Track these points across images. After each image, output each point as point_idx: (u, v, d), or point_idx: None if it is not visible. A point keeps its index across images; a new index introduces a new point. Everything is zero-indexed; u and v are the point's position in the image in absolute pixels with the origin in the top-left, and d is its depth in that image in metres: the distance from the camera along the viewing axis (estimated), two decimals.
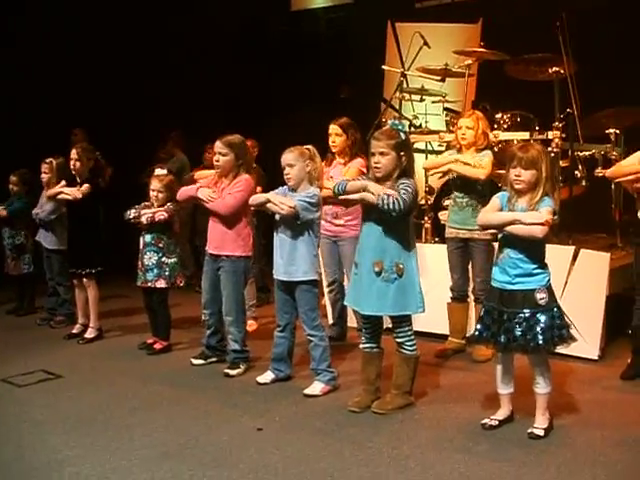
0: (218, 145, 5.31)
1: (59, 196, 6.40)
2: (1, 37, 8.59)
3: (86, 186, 6.23)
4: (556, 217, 4.18)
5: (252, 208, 5.23)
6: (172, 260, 5.92)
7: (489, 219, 4.18)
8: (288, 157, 4.88)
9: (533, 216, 3.90)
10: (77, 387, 5.16)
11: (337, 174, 5.69)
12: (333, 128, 5.82)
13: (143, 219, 5.78)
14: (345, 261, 5.83)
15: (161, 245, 5.88)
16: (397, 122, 4.59)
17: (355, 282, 4.59)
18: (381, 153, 4.35)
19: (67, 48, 8.93)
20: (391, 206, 4.19)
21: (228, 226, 5.33)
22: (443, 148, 6.66)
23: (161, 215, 5.78)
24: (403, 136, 4.40)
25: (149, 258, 5.88)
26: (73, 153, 6.31)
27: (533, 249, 3.99)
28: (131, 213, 5.84)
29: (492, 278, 4.16)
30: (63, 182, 6.42)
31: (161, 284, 5.88)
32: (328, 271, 6.05)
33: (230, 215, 5.30)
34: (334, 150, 5.83)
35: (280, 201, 4.82)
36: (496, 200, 4.16)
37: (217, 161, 5.33)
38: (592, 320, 5.49)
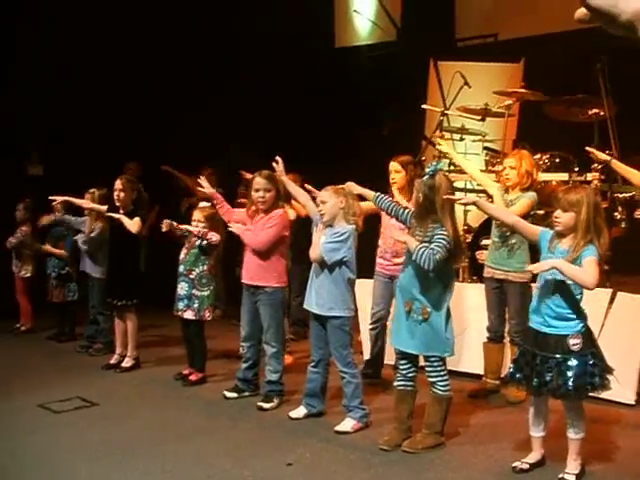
0: (261, 182, 5.40)
1: (117, 220, 6.43)
2: (60, 69, 8.83)
3: (137, 219, 6.34)
4: (603, 265, 4.12)
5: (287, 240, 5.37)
6: (203, 293, 5.98)
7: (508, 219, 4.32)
8: (322, 194, 4.98)
9: (575, 273, 3.86)
10: (112, 416, 5.24)
11: None
12: (393, 165, 5.80)
13: (196, 230, 5.84)
14: None
15: (192, 277, 5.96)
16: (438, 163, 4.64)
17: (394, 317, 4.71)
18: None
19: (118, 81, 9.14)
20: (424, 263, 4.30)
21: (263, 258, 5.43)
22: (481, 187, 6.65)
23: (213, 236, 5.87)
24: (428, 178, 4.45)
25: (181, 288, 5.98)
26: (117, 184, 6.45)
27: (570, 294, 3.96)
28: (184, 226, 5.93)
29: (529, 319, 4.14)
30: (105, 207, 6.54)
31: (189, 315, 5.95)
32: (376, 308, 5.96)
33: (264, 250, 5.40)
34: (394, 187, 5.78)
35: (315, 242, 4.91)
36: (537, 229, 4.18)
37: (262, 197, 5.40)
38: (628, 364, 5.42)
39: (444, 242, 4.32)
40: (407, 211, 4.71)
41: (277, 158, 5.25)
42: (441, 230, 4.38)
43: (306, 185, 5.29)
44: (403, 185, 5.76)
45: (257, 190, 5.42)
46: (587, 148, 5.61)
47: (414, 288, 4.45)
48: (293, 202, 6.09)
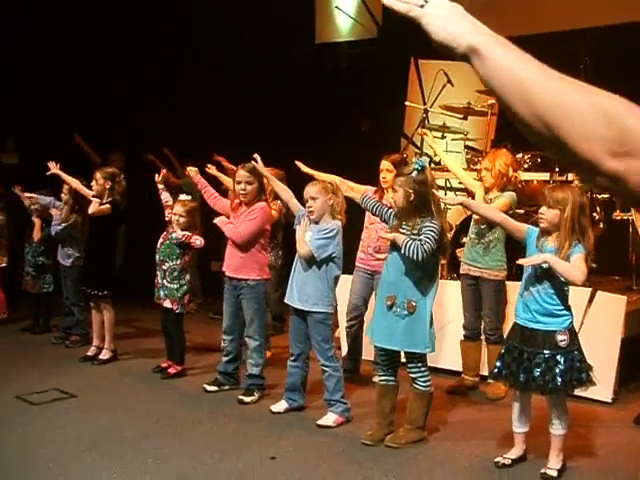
0: (243, 174, 5.42)
1: (81, 191, 6.51)
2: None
3: (107, 206, 6.30)
4: (590, 263, 4.15)
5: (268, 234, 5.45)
6: (172, 286, 5.90)
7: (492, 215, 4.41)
8: (311, 190, 4.93)
9: (565, 269, 3.90)
10: (91, 408, 5.20)
11: None
12: (384, 164, 5.72)
13: (179, 234, 5.80)
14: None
15: (164, 267, 5.92)
16: (421, 160, 4.66)
17: (374, 313, 4.67)
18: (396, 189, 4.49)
19: (101, 68, 9.06)
20: (412, 255, 4.30)
21: (244, 251, 5.45)
22: (461, 186, 6.70)
23: (197, 240, 5.84)
24: (418, 174, 4.46)
25: (158, 277, 5.96)
26: (97, 175, 6.41)
27: (558, 289, 4.01)
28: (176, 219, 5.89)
29: (515, 315, 4.18)
30: (92, 193, 6.48)
31: (167, 304, 5.92)
32: (353, 303, 5.94)
33: (245, 242, 5.41)
34: (384, 186, 5.69)
35: (301, 238, 4.89)
36: (523, 226, 4.22)
37: (244, 190, 5.42)
38: (607, 362, 5.48)
39: (433, 234, 4.34)
40: (389, 210, 4.73)
41: (254, 155, 5.27)
42: (430, 222, 4.40)
43: (297, 162, 5.31)
44: (393, 184, 5.75)
45: (239, 182, 5.43)
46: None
47: (399, 282, 4.45)
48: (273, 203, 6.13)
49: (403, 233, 4.44)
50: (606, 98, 1.03)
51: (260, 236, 5.48)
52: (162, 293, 5.92)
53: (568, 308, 4.04)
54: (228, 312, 5.58)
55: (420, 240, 4.31)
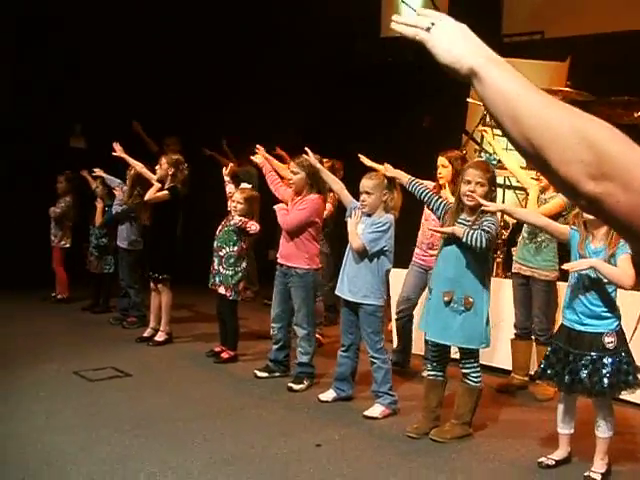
0: (292, 165, 5.63)
1: (145, 174, 6.72)
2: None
3: (165, 192, 6.45)
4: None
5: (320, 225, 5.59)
6: (227, 272, 6.02)
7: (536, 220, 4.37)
8: (367, 184, 4.97)
9: (612, 272, 3.86)
10: (145, 387, 5.35)
11: None
12: (440, 160, 5.76)
13: (236, 219, 5.93)
14: None
15: (221, 254, 6.04)
16: (490, 156, 4.66)
17: (427, 306, 4.68)
18: (478, 183, 4.42)
19: (161, 57, 9.21)
20: (475, 243, 4.30)
21: (294, 240, 5.58)
22: (519, 185, 6.65)
23: (252, 226, 5.95)
24: (494, 171, 4.49)
25: (214, 263, 6.08)
26: (162, 161, 6.59)
27: (604, 292, 3.98)
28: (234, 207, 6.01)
29: (562, 316, 4.16)
30: (155, 177, 6.66)
31: (222, 290, 6.03)
32: (404, 296, 5.98)
33: (293, 231, 5.54)
34: (441, 182, 5.75)
35: (353, 231, 4.94)
36: (566, 229, 4.19)
37: (291, 179, 5.61)
38: None
39: (494, 226, 4.38)
40: (442, 201, 4.71)
41: (306, 149, 5.38)
42: (491, 216, 4.43)
43: (360, 156, 5.34)
44: (450, 180, 5.76)
45: (290, 172, 5.65)
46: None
47: (458, 278, 4.46)
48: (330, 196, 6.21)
49: (460, 226, 4.44)
50: (590, 123, 1.07)
51: (309, 226, 5.59)
52: (217, 279, 6.04)
53: (616, 310, 4.00)
54: (277, 299, 5.70)
55: (483, 230, 4.32)
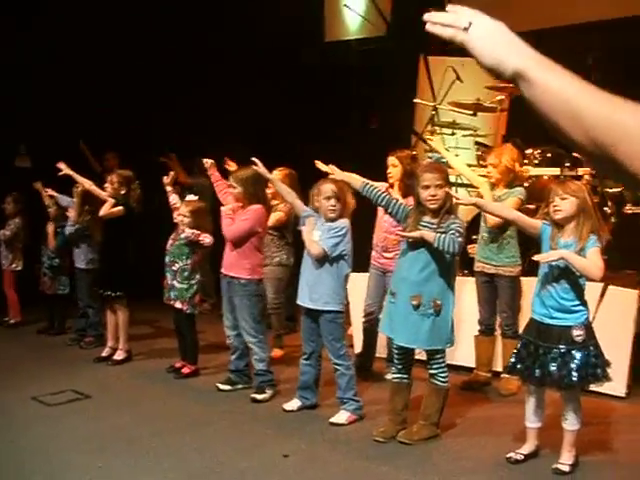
0: (230, 179, 5.61)
1: (94, 192, 6.54)
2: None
3: (119, 208, 6.34)
4: (605, 256, 4.14)
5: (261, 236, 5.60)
6: (182, 286, 5.95)
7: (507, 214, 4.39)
8: (334, 188, 4.92)
9: (582, 264, 3.88)
10: (106, 408, 5.24)
11: None
12: (390, 160, 5.78)
13: (188, 232, 5.84)
14: None
15: (174, 268, 5.96)
16: (440, 157, 4.66)
17: (391, 311, 4.63)
18: (437, 185, 4.41)
19: (103, 72, 9.08)
20: (448, 247, 4.29)
21: (237, 250, 5.55)
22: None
23: (206, 238, 5.88)
24: (446, 170, 4.50)
25: (168, 278, 6.00)
26: (111, 178, 6.48)
27: (574, 284, 4.00)
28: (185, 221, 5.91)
29: (532, 310, 4.18)
30: (106, 194, 6.53)
31: (178, 305, 5.96)
32: (369, 302, 5.96)
33: (236, 241, 5.51)
34: (390, 181, 5.78)
35: (310, 239, 4.91)
36: (538, 222, 4.18)
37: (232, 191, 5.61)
38: (619, 357, 5.45)
39: (461, 229, 4.38)
40: (400, 204, 4.69)
41: (253, 159, 5.31)
42: (456, 219, 4.44)
43: (330, 166, 5.22)
44: (399, 179, 5.76)
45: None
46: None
47: (425, 282, 4.44)
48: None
49: (426, 230, 4.42)
50: None
51: (252, 236, 5.55)
52: (172, 294, 5.96)
53: (584, 303, 4.03)
54: (227, 308, 5.67)
55: (454, 234, 4.31)
